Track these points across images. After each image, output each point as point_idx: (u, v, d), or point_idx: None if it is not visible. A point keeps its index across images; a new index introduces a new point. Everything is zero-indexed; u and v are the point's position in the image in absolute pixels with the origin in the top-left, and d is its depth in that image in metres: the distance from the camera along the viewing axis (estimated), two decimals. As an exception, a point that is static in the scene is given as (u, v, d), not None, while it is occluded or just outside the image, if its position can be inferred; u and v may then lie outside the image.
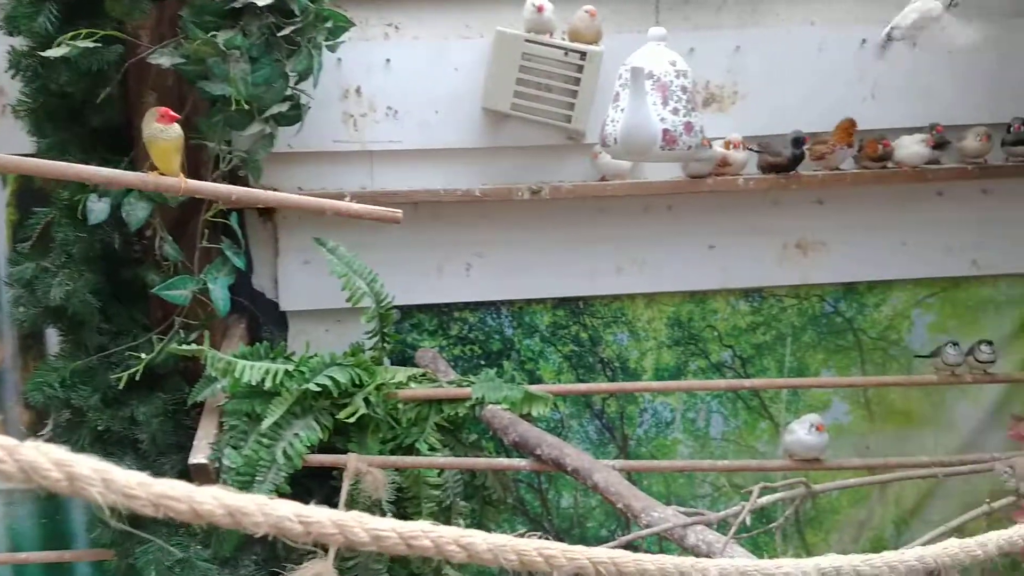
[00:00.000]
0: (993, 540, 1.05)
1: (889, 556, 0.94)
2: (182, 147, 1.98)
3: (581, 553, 0.83)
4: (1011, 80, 2.60)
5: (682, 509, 2.33)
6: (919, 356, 2.67)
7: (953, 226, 2.69)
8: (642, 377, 2.76)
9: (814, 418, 2.37)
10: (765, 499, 2.27)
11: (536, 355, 2.73)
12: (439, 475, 2.31)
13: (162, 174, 1.98)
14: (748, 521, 2.19)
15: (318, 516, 0.77)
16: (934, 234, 2.70)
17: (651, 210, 2.68)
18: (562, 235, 2.66)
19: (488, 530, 2.59)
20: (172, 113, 1.96)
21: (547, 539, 0.87)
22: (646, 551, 2.73)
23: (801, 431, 2.37)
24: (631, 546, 2.69)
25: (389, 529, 0.77)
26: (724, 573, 0.87)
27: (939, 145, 2.55)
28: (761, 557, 2.34)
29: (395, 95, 2.51)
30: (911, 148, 2.54)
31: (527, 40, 2.40)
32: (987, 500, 2.15)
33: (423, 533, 0.77)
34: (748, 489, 2.17)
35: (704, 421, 2.81)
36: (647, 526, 2.09)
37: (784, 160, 2.50)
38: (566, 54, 2.40)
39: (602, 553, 0.83)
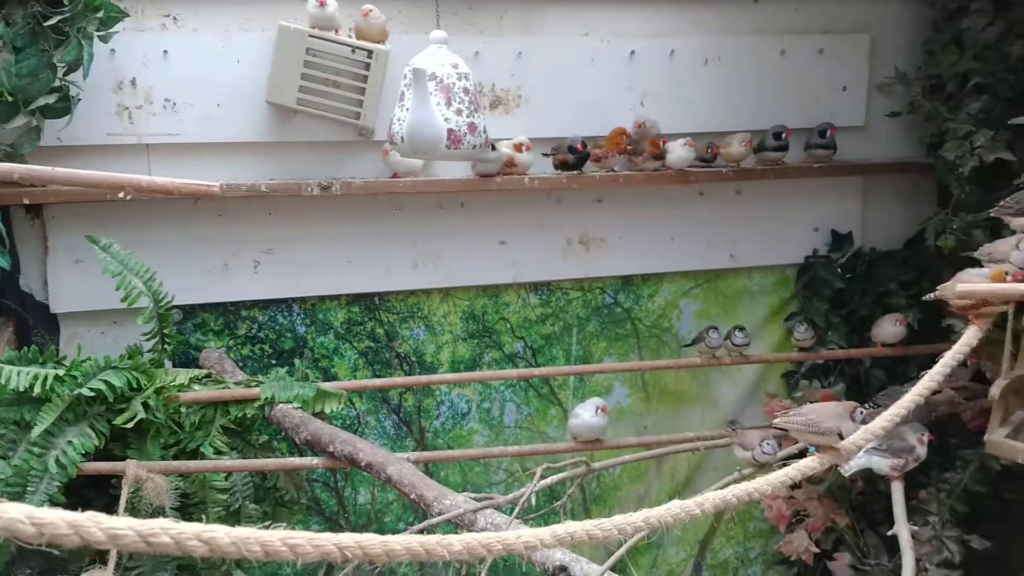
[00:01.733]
0: (710, 499, 1.17)
1: (618, 519, 1.04)
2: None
3: (327, 540, 0.86)
4: (760, 91, 2.88)
5: (473, 495, 2.41)
6: (686, 345, 2.92)
7: (713, 224, 2.95)
8: (439, 370, 2.83)
9: (598, 401, 2.54)
10: (549, 480, 2.41)
11: (330, 352, 2.73)
12: (226, 479, 2.26)
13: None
14: (534, 501, 2.31)
15: (50, 517, 0.76)
16: (697, 231, 2.95)
17: (445, 207, 2.75)
18: (355, 231, 2.67)
19: (283, 530, 2.56)
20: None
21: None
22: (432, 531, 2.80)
23: (586, 414, 2.53)
24: (424, 534, 2.77)
25: (126, 527, 0.76)
26: (468, 546, 0.93)
27: (710, 158, 2.77)
28: (549, 536, 2.46)
29: (173, 87, 2.42)
30: (677, 152, 2.75)
31: (311, 36, 2.39)
32: (737, 468, 2.39)
33: (162, 530, 0.77)
34: (532, 470, 2.28)
35: (499, 410, 2.92)
36: (439, 514, 2.14)
37: (571, 160, 2.64)
38: (353, 52, 2.41)
39: (348, 538, 0.87)
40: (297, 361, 2.63)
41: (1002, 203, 2.09)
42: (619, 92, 2.76)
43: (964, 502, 2.71)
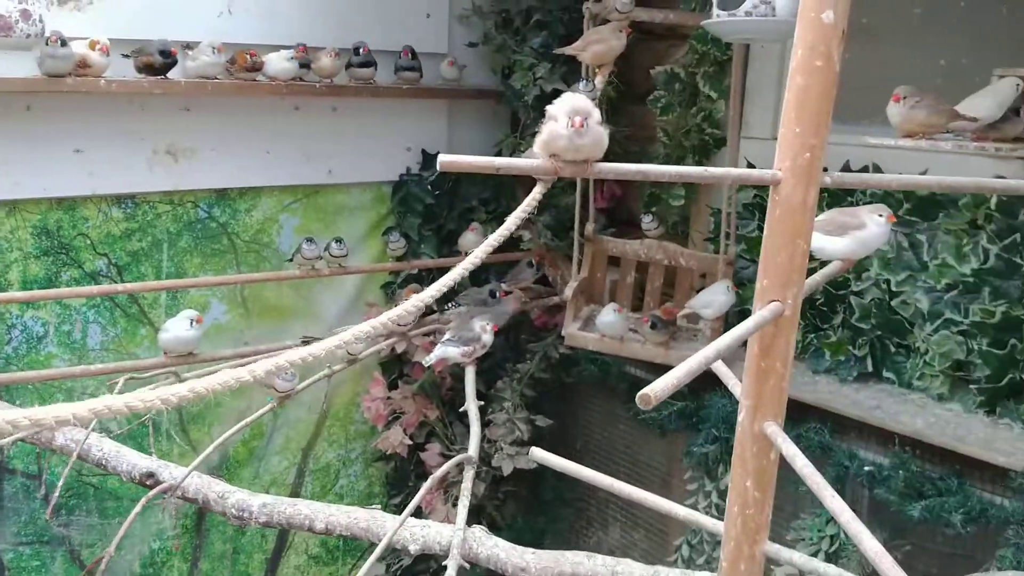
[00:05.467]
0: (262, 365, 1.36)
1: (162, 391, 1.16)
2: None
3: None
4: (348, 11, 3.12)
5: (51, 416, 2.40)
6: (288, 260, 3.11)
7: (310, 138, 3.17)
8: (7, 291, 2.70)
9: (191, 313, 2.64)
10: (134, 394, 2.47)
11: None
12: None
13: None
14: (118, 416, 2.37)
15: None
16: (295, 145, 3.15)
17: (8, 109, 2.61)
18: None
19: None
20: None
21: None
22: (11, 462, 2.73)
23: (177, 327, 2.62)
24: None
25: None
26: None
27: (305, 64, 2.95)
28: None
29: None
30: (279, 64, 2.90)
31: None
32: (328, 365, 2.67)
33: None
34: (113, 381, 2.34)
35: (81, 333, 2.88)
36: (12, 433, 2.13)
37: (157, 63, 2.65)
38: None
39: None
40: None
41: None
42: (204, -3, 2.83)
43: (532, 387, 3.29)
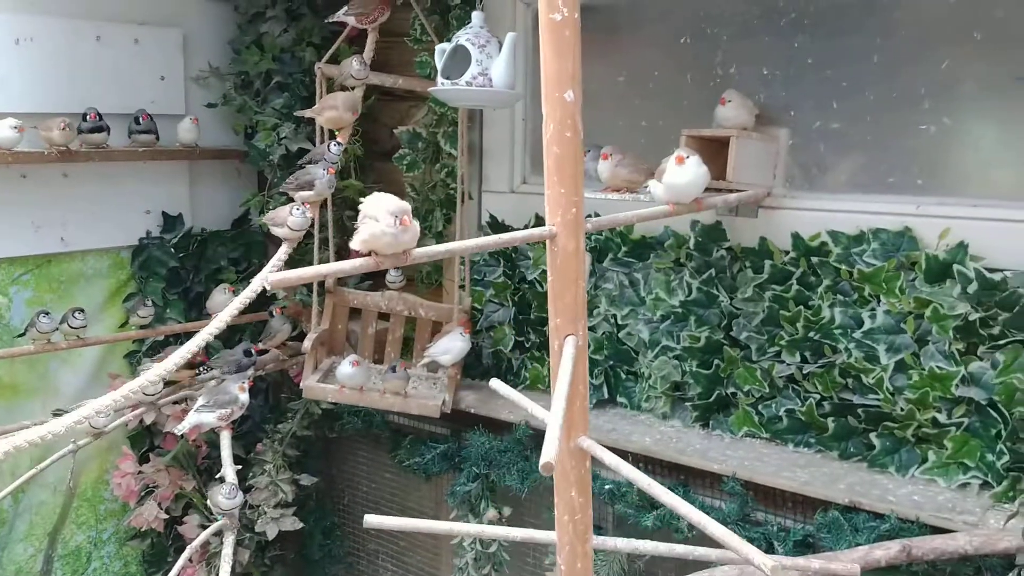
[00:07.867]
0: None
1: None
2: None
3: None
4: (78, 75, 3.22)
5: None
6: (19, 335, 3.11)
7: (40, 207, 3.20)
8: None
9: None
10: None
11: None
12: None
13: None
14: None
15: None
16: (23, 214, 3.17)
17: None
18: None
19: None
20: None
21: None
22: None
23: None
24: None
25: None
26: None
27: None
28: None
29: None
30: (3, 132, 2.92)
31: None
32: (73, 441, 2.74)
33: None
34: None
35: None
36: None
37: None
38: None
39: None
40: None
41: (287, 181, 2.84)
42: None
43: (294, 447, 3.48)
